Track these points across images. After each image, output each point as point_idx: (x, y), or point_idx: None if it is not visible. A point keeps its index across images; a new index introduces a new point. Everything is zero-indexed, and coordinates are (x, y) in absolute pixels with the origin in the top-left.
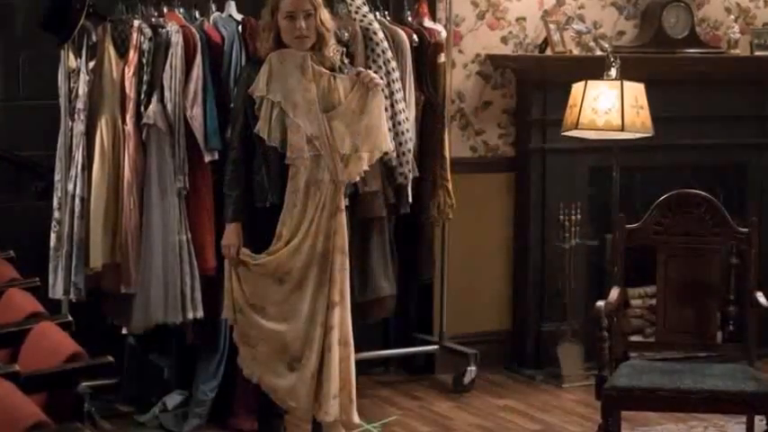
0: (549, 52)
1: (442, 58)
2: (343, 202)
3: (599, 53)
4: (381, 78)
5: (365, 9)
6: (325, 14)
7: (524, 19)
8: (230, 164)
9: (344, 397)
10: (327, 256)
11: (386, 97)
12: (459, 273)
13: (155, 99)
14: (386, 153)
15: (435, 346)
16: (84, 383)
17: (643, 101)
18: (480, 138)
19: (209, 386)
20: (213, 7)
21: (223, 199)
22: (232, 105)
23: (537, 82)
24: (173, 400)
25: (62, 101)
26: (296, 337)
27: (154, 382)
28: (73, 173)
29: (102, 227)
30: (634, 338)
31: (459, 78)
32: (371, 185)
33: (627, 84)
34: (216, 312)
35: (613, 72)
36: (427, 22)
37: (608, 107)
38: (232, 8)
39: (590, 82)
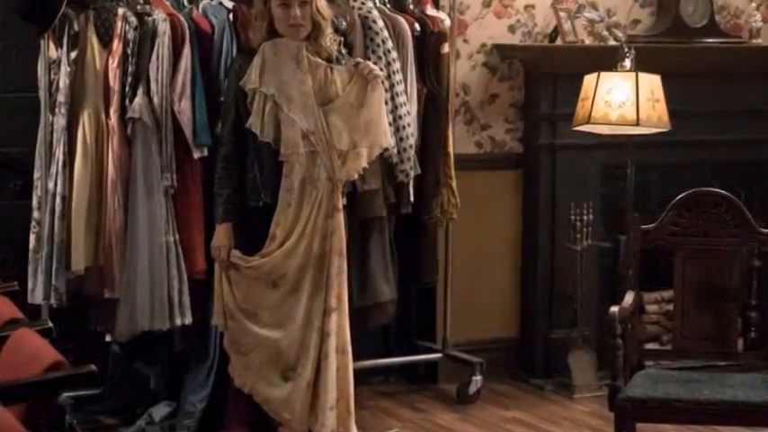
0: (559, 42)
1: (446, 48)
2: (341, 202)
3: (612, 43)
4: (381, 70)
5: None
6: (321, 2)
7: (533, 6)
8: (221, 161)
9: (342, 408)
10: (324, 258)
11: (386, 90)
12: (463, 276)
13: (140, 92)
14: (386, 149)
15: (438, 355)
16: (65, 394)
17: (659, 94)
18: (486, 133)
19: (198, 397)
20: None
21: (213, 198)
22: (222, 99)
23: (546, 74)
24: (159, 411)
25: (42, 94)
26: (291, 345)
27: (139, 392)
28: (53, 170)
29: (85, 227)
30: (649, 346)
31: (463, 70)
32: (371, 184)
33: (642, 75)
34: (205, 318)
35: (628, 63)
36: (430, 10)
37: (622, 100)
38: None
39: (603, 74)
